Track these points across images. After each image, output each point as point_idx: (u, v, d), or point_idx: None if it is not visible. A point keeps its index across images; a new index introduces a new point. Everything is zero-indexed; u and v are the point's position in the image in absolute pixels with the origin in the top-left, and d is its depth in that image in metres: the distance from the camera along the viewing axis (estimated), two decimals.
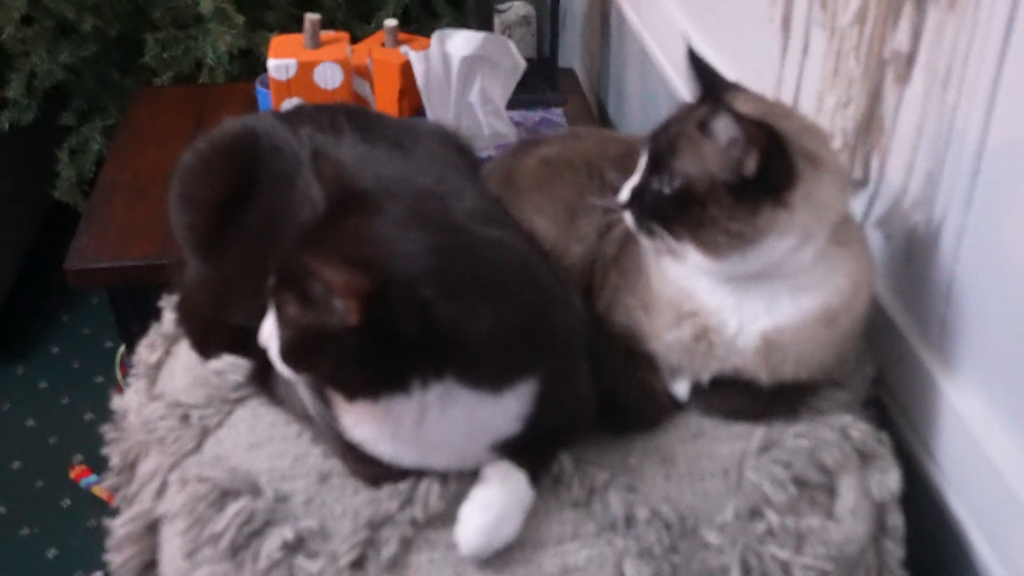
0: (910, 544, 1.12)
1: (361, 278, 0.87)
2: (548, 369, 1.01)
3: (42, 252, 3.02)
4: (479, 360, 0.95)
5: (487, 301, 0.94)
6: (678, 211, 1.06)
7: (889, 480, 1.10)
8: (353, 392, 0.96)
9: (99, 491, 2.40)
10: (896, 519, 1.11)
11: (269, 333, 0.99)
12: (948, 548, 1.14)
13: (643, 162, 1.11)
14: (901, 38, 1.13)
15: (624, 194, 1.12)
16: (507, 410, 0.99)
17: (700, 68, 1.13)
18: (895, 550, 1.10)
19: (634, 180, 1.12)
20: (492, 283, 0.96)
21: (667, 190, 1.07)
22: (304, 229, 1.00)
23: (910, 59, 1.14)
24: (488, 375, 0.96)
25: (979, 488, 1.10)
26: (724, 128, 1.02)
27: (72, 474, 2.51)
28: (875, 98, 1.21)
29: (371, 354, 0.92)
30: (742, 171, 1.03)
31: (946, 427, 1.15)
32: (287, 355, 0.97)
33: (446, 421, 0.98)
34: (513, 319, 0.97)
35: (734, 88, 1.13)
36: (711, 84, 1.12)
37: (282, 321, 0.96)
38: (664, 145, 1.08)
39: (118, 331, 2.04)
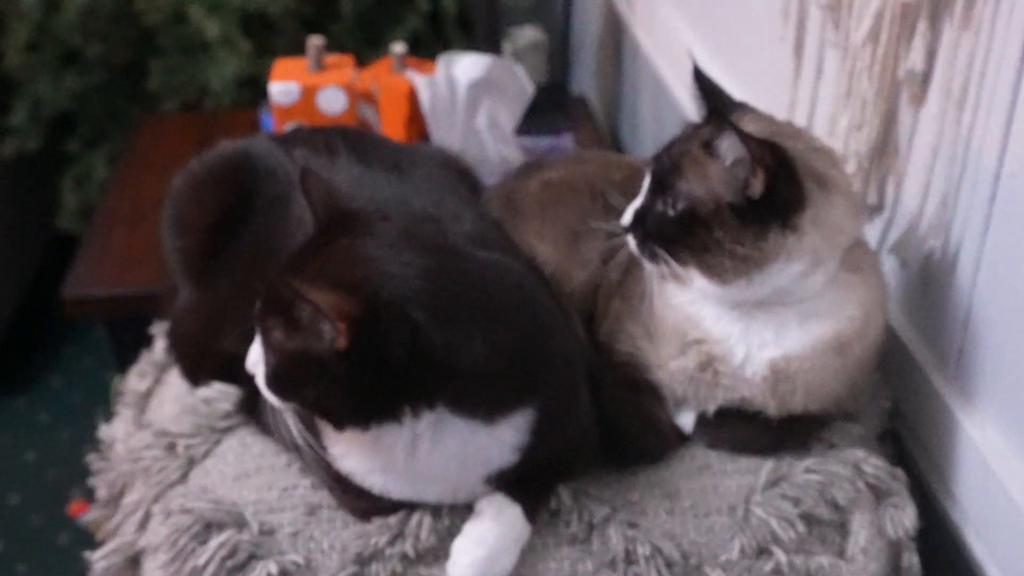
0: None
1: (350, 301, 0.83)
2: (546, 398, 0.96)
3: (44, 283, 2.99)
4: (473, 387, 0.91)
5: (482, 326, 0.90)
6: (682, 234, 1.02)
7: (904, 518, 1.05)
8: (342, 421, 0.92)
9: (96, 527, 2.36)
10: (911, 559, 1.06)
11: (255, 360, 0.95)
12: None
13: (647, 184, 1.07)
14: (915, 57, 1.09)
15: (627, 217, 1.08)
16: (503, 440, 0.95)
17: (706, 86, 1.09)
18: None
19: (637, 202, 1.08)
20: (487, 307, 0.92)
21: (671, 212, 1.03)
22: (292, 251, 0.96)
23: (925, 79, 1.10)
24: (482, 403, 0.92)
25: (999, 526, 1.04)
26: (729, 147, 0.99)
27: (71, 509, 2.47)
28: (889, 120, 1.17)
29: (360, 381, 0.87)
30: (748, 192, 0.99)
31: (964, 461, 1.09)
32: (274, 382, 0.93)
33: (439, 451, 0.93)
34: (509, 345, 0.92)
35: (741, 107, 1.09)
36: (717, 103, 1.08)
37: (269, 347, 0.92)
38: (668, 166, 1.05)
39: (116, 361, 2.01)
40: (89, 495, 2.38)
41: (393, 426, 0.90)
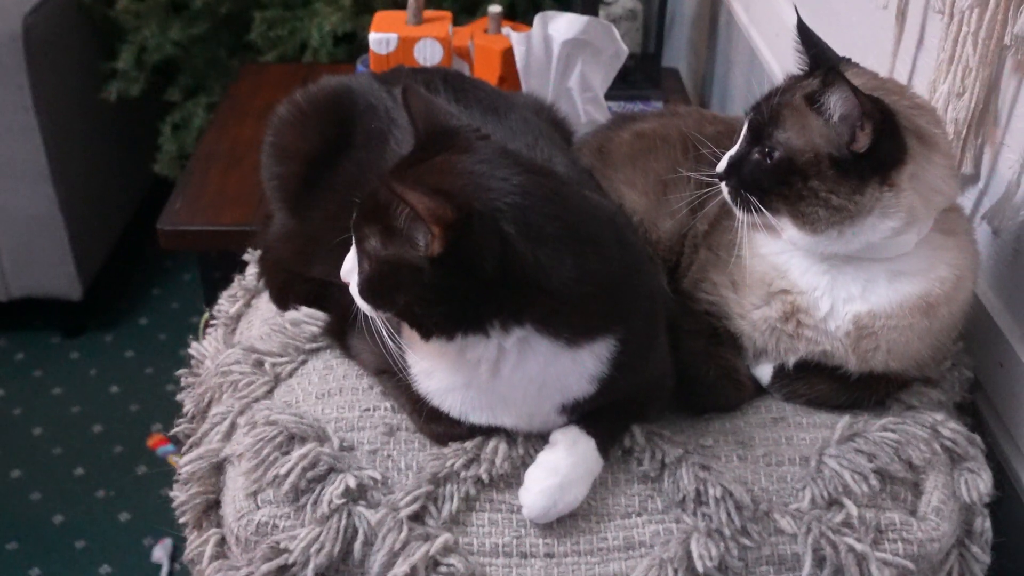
0: (998, 554, 1.06)
1: (446, 207, 0.85)
2: (628, 331, 0.97)
3: (140, 225, 3.09)
4: (560, 308, 0.92)
5: (573, 248, 0.92)
6: (777, 183, 1.03)
7: (979, 483, 1.05)
8: (431, 330, 0.94)
9: (174, 460, 2.43)
10: (984, 524, 1.05)
11: (350, 268, 0.98)
12: None
13: (743, 133, 1.08)
14: None
15: (722, 164, 1.09)
16: (583, 367, 0.96)
17: (808, 40, 1.09)
18: (981, 556, 1.04)
19: (732, 151, 1.08)
20: (580, 231, 0.94)
21: (767, 161, 1.03)
22: (393, 165, 0.99)
23: None
24: (568, 326, 0.94)
25: None
26: (839, 101, 0.99)
27: (150, 442, 2.55)
28: (991, 88, 1.16)
29: (452, 290, 0.90)
30: (853, 146, 0.99)
31: None
32: (368, 290, 0.96)
33: (521, 371, 0.95)
34: (598, 272, 0.94)
35: (844, 61, 1.09)
36: (820, 56, 1.08)
37: (365, 255, 0.95)
38: (767, 116, 1.05)
39: (204, 297, 2.06)
40: (168, 430, 2.45)
41: (480, 340, 0.93)
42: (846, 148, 0.99)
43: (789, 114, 1.03)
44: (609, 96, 1.93)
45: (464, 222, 0.86)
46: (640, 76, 2.21)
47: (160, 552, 2.28)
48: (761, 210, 1.04)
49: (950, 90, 1.19)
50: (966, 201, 1.23)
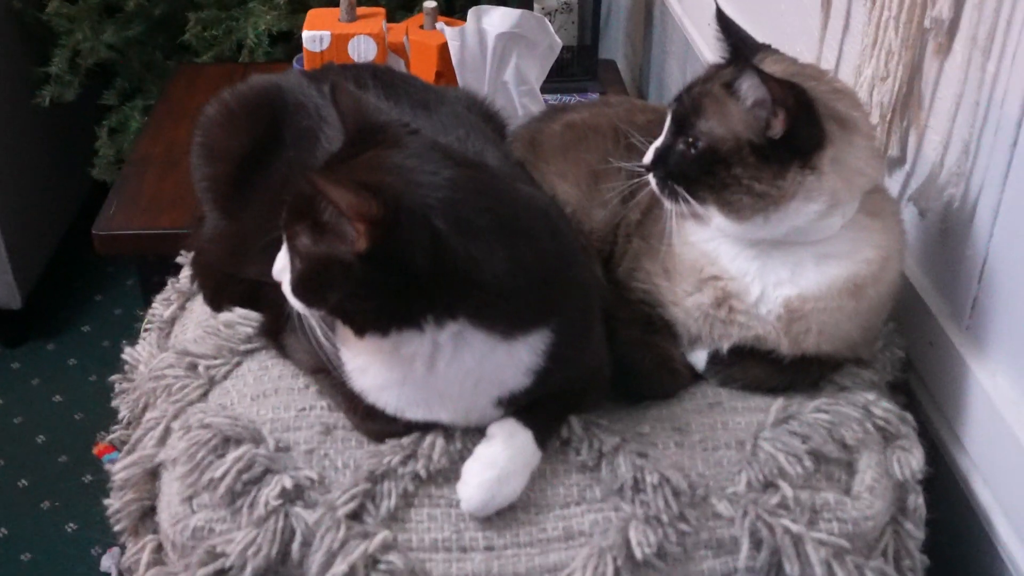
0: (931, 529, 1.07)
1: (371, 203, 0.85)
2: (563, 323, 0.98)
3: (79, 231, 3.04)
4: (494, 301, 0.92)
5: (505, 241, 0.92)
6: (702, 172, 1.03)
7: (912, 460, 1.06)
8: (363, 326, 0.94)
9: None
10: (917, 500, 1.06)
11: (282, 267, 0.97)
12: (972, 535, 1.09)
13: (668, 124, 1.09)
14: (942, 5, 1.09)
15: (648, 156, 1.09)
16: (518, 360, 0.96)
17: (728, 28, 1.10)
18: (915, 532, 1.05)
19: (658, 142, 1.09)
20: (512, 224, 0.93)
21: (691, 151, 1.04)
22: (322, 162, 0.99)
23: (951, 27, 1.10)
24: (502, 319, 0.93)
25: (1008, 473, 1.05)
26: (750, 88, 1.00)
27: (95, 450, 2.51)
28: (914, 71, 1.18)
29: (383, 286, 0.89)
30: (768, 133, 1.00)
31: (975, 411, 1.10)
32: (299, 288, 0.95)
33: (457, 366, 0.95)
34: (531, 264, 0.94)
35: (764, 48, 1.10)
36: (739, 45, 1.09)
37: (295, 253, 0.94)
38: (689, 106, 1.06)
39: (144, 302, 2.04)
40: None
41: (414, 335, 0.92)
42: (763, 135, 1.00)
43: (710, 103, 1.03)
44: (547, 89, 1.93)
45: (391, 218, 0.86)
46: (577, 68, 2.22)
47: (108, 561, 2.24)
48: (688, 200, 1.04)
49: (874, 74, 1.20)
50: (894, 183, 1.24)
